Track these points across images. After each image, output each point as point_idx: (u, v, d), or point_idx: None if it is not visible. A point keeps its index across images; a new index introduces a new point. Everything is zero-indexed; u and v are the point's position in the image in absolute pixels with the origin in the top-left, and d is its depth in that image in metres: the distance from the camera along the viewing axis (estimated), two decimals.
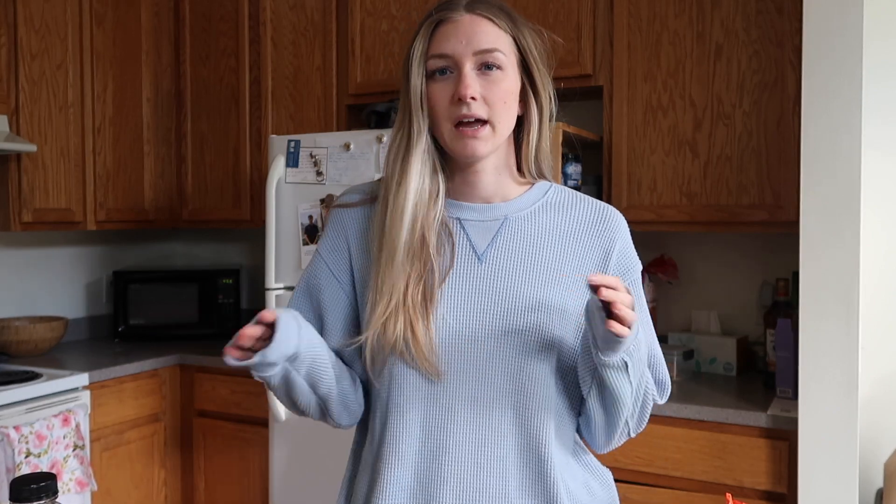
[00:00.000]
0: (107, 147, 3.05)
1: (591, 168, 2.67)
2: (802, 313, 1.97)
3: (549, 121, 1.15)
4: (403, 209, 1.07)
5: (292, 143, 2.59)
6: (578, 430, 1.17)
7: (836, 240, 1.93)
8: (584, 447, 1.19)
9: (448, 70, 1.06)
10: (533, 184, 1.17)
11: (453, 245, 1.10)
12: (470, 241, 1.11)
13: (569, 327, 1.08)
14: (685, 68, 2.37)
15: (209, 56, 3.23)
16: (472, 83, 1.04)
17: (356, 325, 1.15)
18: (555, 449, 1.08)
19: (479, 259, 1.10)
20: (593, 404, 1.08)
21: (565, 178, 2.39)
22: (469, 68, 1.05)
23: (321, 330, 1.15)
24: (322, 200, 2.53)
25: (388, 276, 1.06)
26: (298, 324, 1.04)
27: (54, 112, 2.84)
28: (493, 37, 1.06)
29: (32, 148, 2.64)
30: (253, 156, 3.13)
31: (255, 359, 0.97)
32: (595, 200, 1.18)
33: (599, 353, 0.99)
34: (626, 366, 1.01)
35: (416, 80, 1.07)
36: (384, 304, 1.05)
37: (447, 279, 1.08)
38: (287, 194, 2.60)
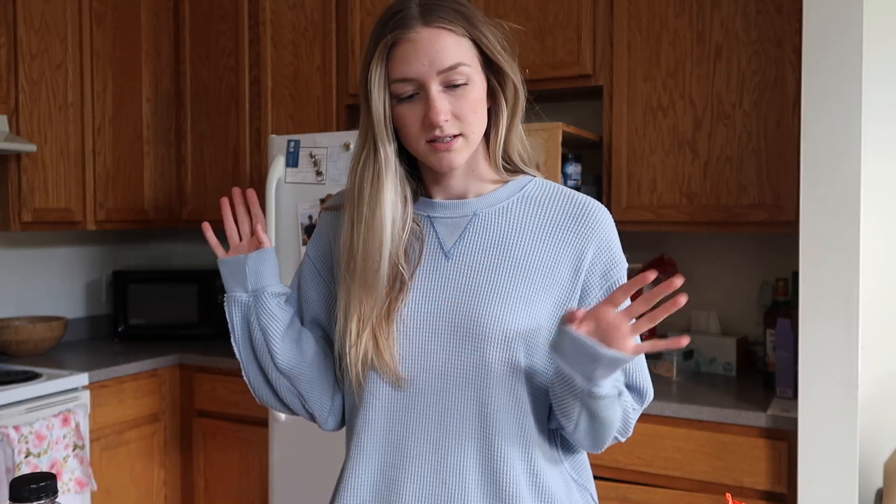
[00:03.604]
0: (106, 147, 3.05)
1: (591, 168, 2.67)
2: (802, 313, 1.97)
3: (519, 111, 1.10)
4: (381, 240, 1.05)
5: (292, 143, 2.59)
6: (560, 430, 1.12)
7: (836, 240, 1.93)
8: (569, 449, 1.14)
9: (415, 93, 1.02)
10: (509, 179, 1.13)
11: (422, 243, 1.10)
12: (438, 238, 1.10)
13: (537, 323, 1.06)
14: (685, 68, 2.37)
15: (209, 56, 3.23)
16: (442, 106, 1.00)
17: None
18: (515, 451, 1.05)
19: (446, 256, 1.09)
20: (580, 435, 1.05)
21: (565, 178, 2.38)
22: (436, 90, 1.01)
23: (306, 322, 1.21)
24: (322, 200, 2.53)
25: (361, 296, 1.06)
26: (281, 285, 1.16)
27: (54, 112, 2.84)
28: (453, 50, 1.00)
29: (32, 148, 2.64)
30: (253, 156, 3.13)
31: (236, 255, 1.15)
32: (578, 195, 1.12)
33: (592, 387, 0.94)
34: (620, 393, 1.01)
35: (379, 105, 1.03)
36: (354, 322, 1.05)
37: (415, 276, 1.08)
38: (287, 194, 2.59)
